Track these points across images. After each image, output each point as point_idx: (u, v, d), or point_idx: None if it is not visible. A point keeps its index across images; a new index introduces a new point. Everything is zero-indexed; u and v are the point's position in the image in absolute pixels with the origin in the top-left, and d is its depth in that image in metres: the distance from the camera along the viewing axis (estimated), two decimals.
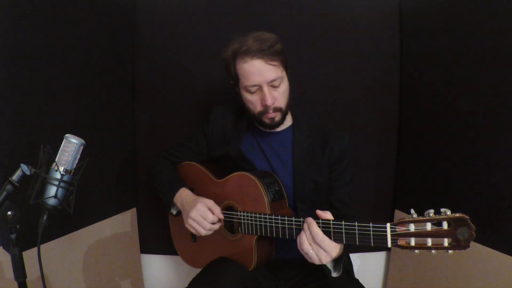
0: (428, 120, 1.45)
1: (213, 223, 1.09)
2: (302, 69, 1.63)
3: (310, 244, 0.89)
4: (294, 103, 1.28)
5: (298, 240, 0.92)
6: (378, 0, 1.62)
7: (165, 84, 1.69)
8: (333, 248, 0.89)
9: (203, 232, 1.09)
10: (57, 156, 0.90)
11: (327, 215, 0.92)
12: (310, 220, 0.90)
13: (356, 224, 0.87)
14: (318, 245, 0.88)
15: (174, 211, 1.24)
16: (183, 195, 1.16)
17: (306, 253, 0.90)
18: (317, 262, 0.90)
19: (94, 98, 1.42)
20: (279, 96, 1.10)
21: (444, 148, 1.36)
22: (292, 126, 1.23)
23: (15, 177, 0.86)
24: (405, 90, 1.62)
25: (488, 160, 1.15)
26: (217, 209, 1.10)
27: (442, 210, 0.76)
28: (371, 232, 0.84)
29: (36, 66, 1.15)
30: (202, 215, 1.08)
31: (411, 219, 0.80)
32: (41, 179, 0.88)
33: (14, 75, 1.08)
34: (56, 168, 0.89)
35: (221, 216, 1.11)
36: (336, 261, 0.96)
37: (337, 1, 1.62)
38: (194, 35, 1.64)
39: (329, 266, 0.96)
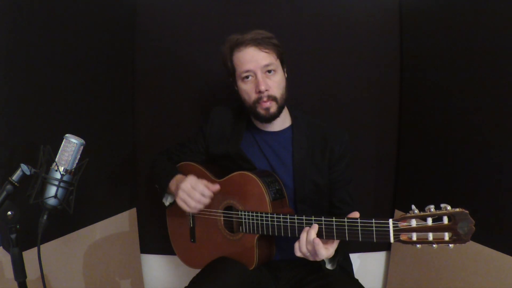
0: (428, 120, 1.45)
1: (204, 196, 1.07)
2: (302, 69, 1.63)
3: (309, 252, 0.93)
4: (293, 103, 1.28)
5: (296, 243, 0.95)
6: (378, 0, 1.62)
7: (165, 84, 1.69)
8: (330, 255, 0.93)
9: (192, 203, 1.06)
10: (57, 156, 0.90)
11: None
12: (317, 241, 0.91)
13: (359, 221, 0.88)
14: (317, 256, 0.92)
15: (167, 201, 1.22)
16: (178, 178, 1.14)
17: (304, 256, 0.95)
18: (312, 259, 0.95)
19: (94, 98, 1.42)
20: (273, 85, 1.11)
21: (444, 148, 1.36)
22: (291, 126, 1.23)
23: (15, 177, 0.86)
24: (405, 90, 1.62)
25: (489, 160, 1.15)
26: (210, 184, 1.08)
27: (442, 205, 0.78)
28: (374, 228, 0.86)
29: (36, 66, 1.15)
30: (192, 185, 1.06)
31: (412, 214, 0.81)
32: (41, 179, 0.88)
33: (14, 75, 1.08)
34: (56, 168, 0.89)
35: (216, 187, 1.08)
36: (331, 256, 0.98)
37: (337, 1, 1.62)
38: (194, 35, 1.64)
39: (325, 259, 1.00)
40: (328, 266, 1.00)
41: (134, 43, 1.66)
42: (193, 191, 1.06)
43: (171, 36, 1.66)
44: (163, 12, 1.66)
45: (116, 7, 1.55)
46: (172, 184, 1.16)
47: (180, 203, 1.09)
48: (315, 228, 0.93)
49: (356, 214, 0.92)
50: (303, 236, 0.93)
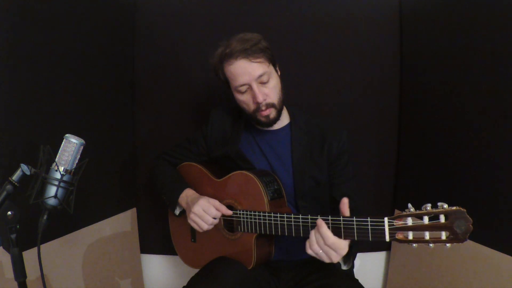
0: (428, 120, 1.45)
1: (215, 218, 1.11)
2: (302, 69, 1.63)
3: (320, 246, 0.89)
4: (293, 103, 1.28)
5: (306, 242, 0.92)
6: (378, 0, 1.62)
7: (165, 84, 1.69)
8: (343, 248, 0.89)
9: (204, 226, 1.10)
10: (57, 156, 0.90)
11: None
12: (319, 222, 0.89)
13: (354, 219, 0.87)
14: (328, 247, 0.88)
15: (177, 211, 1.23)
16: (189, 194, 1.17)
17: (316, 254, 0.90)
18: (327, 261, 0.91)
19: (94, 98, 1.42)
20: (269, 92, 1.11)
21: (444, 148, 1.36)
22: (290, 124, 1.23)
23: (15, 177, 0.86)
24: (405, 90, 1.62)
25: (488, 160, 1.15)
26: (223, 207, 1.12)
27: (439, 203, 0.77)
28: (369, 227, 0.85)
29: (36, 66, 1.15)
30: (204, 209, 1.09)
31: (408, 213, 0.80)
32: (41, 179, 0.88)
33: (14, 75, 1.08)
34: (56, 168, 0.89)
35: (229, 212, 1.11)
36: (346, 256, 0.95)
37: (337, 1, 1.62)
38: (194, 35, 1.64)
39: (339, 260, 0.96)
40: (344, 267, 0.99)
41: (134, 43, 1.66)
42: (205, 216, 1.09)
43: (170, 36, 1.66)
44: (163, 12, 1.66)
45: (116, 7, 1.55)
46: (182, 200, 1.17)
47: (192, 224, 1.13)
48: (325, 227, 0.88)
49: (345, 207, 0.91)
50: (313, 234, 0.90)
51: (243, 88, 1.10)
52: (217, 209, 1.10)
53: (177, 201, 1.18)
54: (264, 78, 1.09)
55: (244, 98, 1.13)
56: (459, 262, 1.25)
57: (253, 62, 1.07)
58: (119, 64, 1.59)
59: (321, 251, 0.89)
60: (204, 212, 1.09)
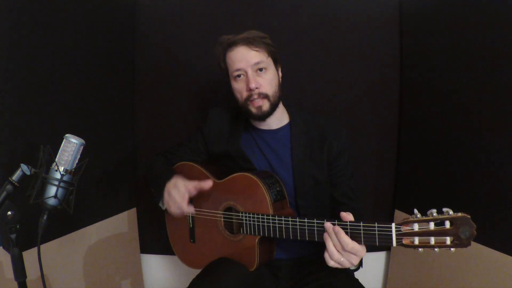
0: (428, 121, 1.45)
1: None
2: (303, 69, 1.63)
3: (340, 253, 0.88)
4: (294, 102, 1.28)
5: (325, 253, 0.90)
6: (378, 0, 1.62)
7: (165, 84, 1.69)
8: (362, 250, 0.89)
9: (179, 201, 1.07)
10: (57, 156, 0.90)
11: (349, 216, 0.91)
12: (337, 229, 0.88)
13: (362, 224, 0.87)
14: (348, 252, 0.88)
15: (163, 206, 1.19)
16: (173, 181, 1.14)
17: (339, 263, 0.89)
18: (348, 266, 0.90)
19: (94, 98, 1.42)
20: (264, 83, 1.12)
21: (444, 149, 1.36)
22: (289, 123, 1.23)
23: (15, 177, 0.86)
24: (405, 90, 1.62)
25: (489, 160, 1.15)
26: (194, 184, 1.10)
27: (444, 210, 0.78)
28: (376, 232, 0.85)
29: (36, 66, 1.15)
30: (176, 185, 1.09)
31: (415, 219, 0.81)
32: (41, 179, 0.88)
33: (14, 75, 1.08)
34: (56, 168, 0.89)
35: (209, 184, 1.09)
36: None
37: (337, 1, 1.62)
38: (194, 34, 1.64)
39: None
40: (352, 267, 0.98)
41: (134, 43, 1.67)
42: (177, 193, 1.07)
43: (170, 36, 1.66)
44: (163, 12, 1.66)
45: (116, 7, 1.55)
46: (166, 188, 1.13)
47: (171, 206, 1.10)
48: (342, 232, 0.87)
49: (349, 216, 0.90)
50: (331, 244, 0.89)
51: (239, 73, 1.12)
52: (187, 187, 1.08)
53: (164, 189, 1.14)
54: (261, 66, 1.11)
55: (238, 86, 1.14)
56: (459, 262, 1.25)
57: (252, 49, 1.10)
58: (119, 64, 1.59)
59: (342, 258, 0.88)
60: (176, 189, 1.08)
